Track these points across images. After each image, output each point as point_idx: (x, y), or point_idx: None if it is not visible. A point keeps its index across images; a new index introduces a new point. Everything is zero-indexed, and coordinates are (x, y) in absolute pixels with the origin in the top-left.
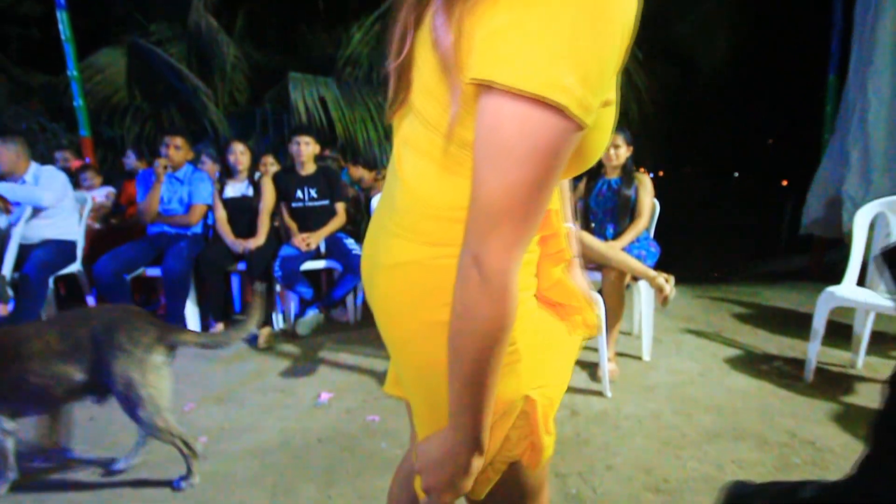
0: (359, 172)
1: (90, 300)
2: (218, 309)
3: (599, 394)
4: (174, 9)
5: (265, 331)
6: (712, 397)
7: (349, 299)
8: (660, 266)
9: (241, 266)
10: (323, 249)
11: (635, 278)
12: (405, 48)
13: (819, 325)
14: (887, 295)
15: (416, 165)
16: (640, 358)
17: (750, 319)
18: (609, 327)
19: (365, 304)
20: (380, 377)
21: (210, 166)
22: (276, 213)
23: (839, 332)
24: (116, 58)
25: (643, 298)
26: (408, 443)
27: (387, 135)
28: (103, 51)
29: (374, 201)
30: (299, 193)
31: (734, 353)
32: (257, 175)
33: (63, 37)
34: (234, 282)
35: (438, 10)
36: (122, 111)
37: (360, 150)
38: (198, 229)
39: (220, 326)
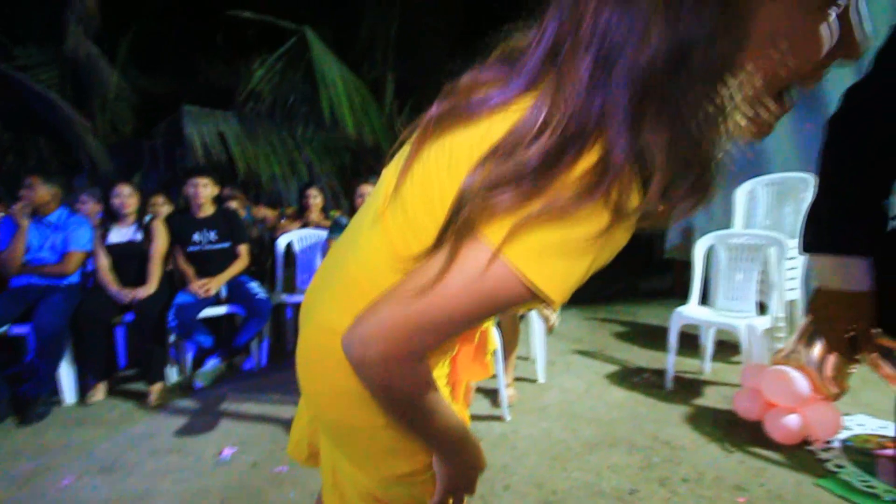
0: (262, 212)
1: None
2: (99, 367)
3: (499, 418)
4: (47, 31)
5: (157, 387)
6: (594, 411)
7: (253, 345)
8: None
9: (128, 317)
10: (224, 294)
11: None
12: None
13: (673, 340)
14: (723, 313)
15: (378, 250)
16: (535, 380)
17: (626, 336)
18: (506, 356)
19: (271, 348)
20: (288, 424)
21: (91, 207)
22: (169, 258)
23: (693, 343)
24: None
25: (536, 326)
26: (318, 490)
27: (292, 170)
28: None
29: (280, 241)
30: (197, 237)
31: (613, 368)
32: (147, 217)
33: None
34: (119, 335)
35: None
36: None
37: (264, 186)
38: (74, 279)
39: (100, 387)
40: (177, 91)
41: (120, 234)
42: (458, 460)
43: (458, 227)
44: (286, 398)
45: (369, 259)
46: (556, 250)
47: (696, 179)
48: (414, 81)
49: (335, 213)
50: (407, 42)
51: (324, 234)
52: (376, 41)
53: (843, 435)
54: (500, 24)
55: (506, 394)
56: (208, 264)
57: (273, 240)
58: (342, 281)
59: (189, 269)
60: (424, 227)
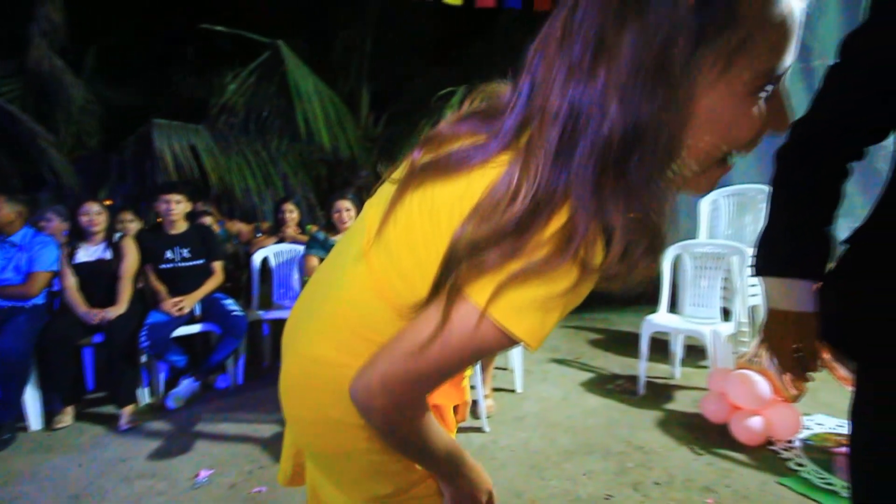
0: (236, 227)
1: None
2: (66, 391)
3: (479, 430)
4: (10, 44)
5: (128, 410)
6: (571, 419)
7: (229, 363)
8: None
9: (98, 338)
10: (198, 312)
11: None
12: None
13: (644, 347)
14: (692, 319)
15: (363, 287)
16: (513, 390)
17: (601, 344)
18: (484, 368)
19: (247, 365)
20: (266, 443)
21: (57, 225)
22: (139, 277)
23: (665, 348)
24: None
25: None
26: None
27: (267, 183)
28: None
29: (256, 257)
30: (169, 254)
31: (589, 376)
32: (117, 235)
33: None
34: (87, 357)
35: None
36: None
37: (238, 199)
38: (39, 300)
39: (68, 411)
40: (146, 103)
41: (88, 252)
42: (459, 483)
43: (449, 287)
44: (263, 417)
45: (355, 295)
46: (534, 306)
47: (650, 243)
48: (389, 93)
49: (312, 228)
50: (382, 55)
51: (300, 249)
52: (351, 54)
53: (804, 434)
54: (471, 38)
55: (484, 405)
56: (182, 282)
57: (248, 255)
58: (328, 314)
59: (161, 288)
60: (408, 268)
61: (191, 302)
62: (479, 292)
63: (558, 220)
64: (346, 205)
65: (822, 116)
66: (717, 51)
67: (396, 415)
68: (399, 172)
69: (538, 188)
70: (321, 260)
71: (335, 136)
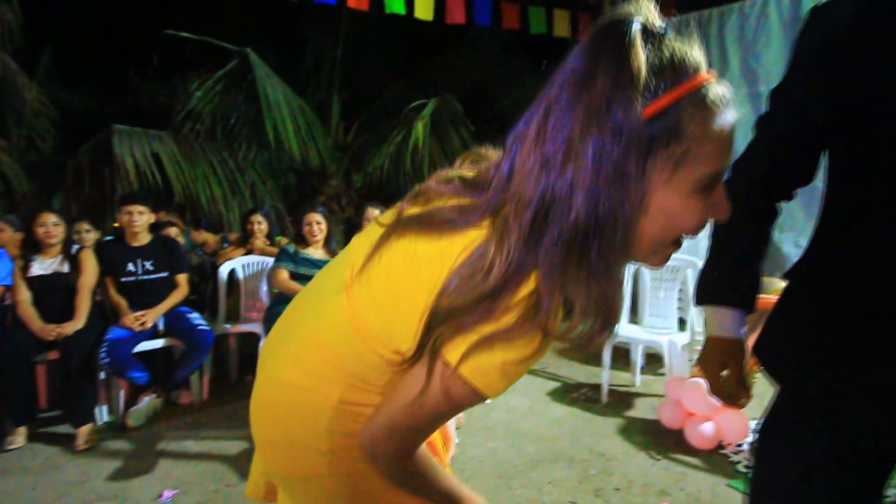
0: (202, 236)
1: None
2: (19, 410)
3: None
4: None
5: (85, 429)
6: (537, 428)
7: (193, 378)
8: None
9: (53, 355)
10: (162, 326)
11: None
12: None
13: (606, 357)
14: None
15: (341, 319)
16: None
17: (567, 353)
18: None
19: (212, 381)
20: (232, 462)
21: (8, 236)
22: (98, 290)
23: (626, 357)
24: None
25: None
26: None
27: (233, 192)
28: None
29: (223, 269)
30: (131, 266)
31: (555, 385)
32: (75, 247)
33: None
34: (42, 374)
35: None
36: None
37: (204, 208)
38: None
39: (21, 431)
40: (106, 108)
41: (44, 265)
42: None
43: (430, 349)
44: (230, 433)
45: (331, 326)
46: (500, 368)
47: (605, 317)
48: (360, 103)
49: (281, 240)
50: (353, 64)
51: (269, 261)
52: (322, 63)
53: (752, 438)
54: (442, 51)
55: (454, 417)
56: (144, 295)
57: (214, 266)
58: (302, 340)
59: (122, 302)
60: (385, 308)
61: (154, 316)
62: (454, 354)
63: (525, 290)
64: (316, 218)
65: (752, 164)
66: (665, 159)
67: (396, 461)
68: (387, 217)
69: (510, 264)
70: (291, 273)
71: (305, 145)
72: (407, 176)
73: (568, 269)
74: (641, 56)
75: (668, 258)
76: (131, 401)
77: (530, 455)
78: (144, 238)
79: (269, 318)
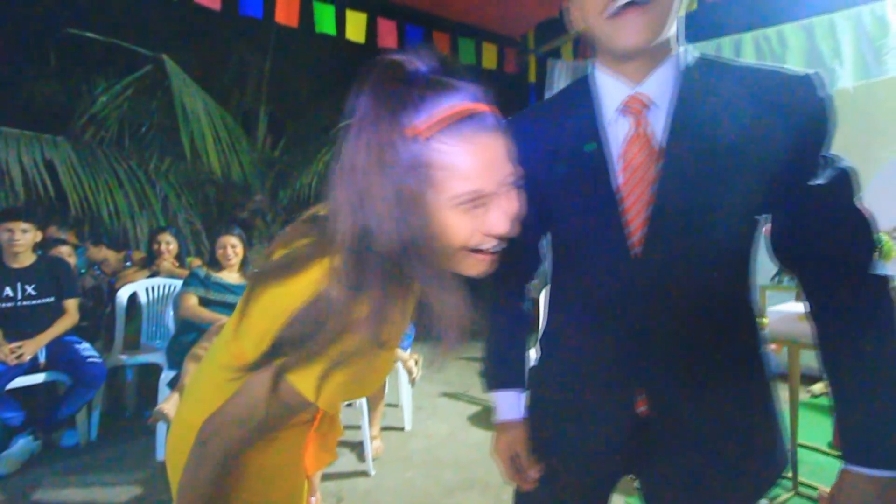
0: (102, 253)
1: None
2: None
3: (364, 474)
4: None
5: None
6: (455, 455)
7: (79, 416)
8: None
9: None
10: (43, 359)
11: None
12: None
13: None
14: None
15: (221, 353)
16: (402, 428)
17: None
18: (372, 409)
19: (104, 418)
20: None
21: None
22: None
23: None
24: None
25: (402, 375)
26: None
27: (141, 205)
28: None
29: (122, 293)
30: (9, 291)
31: (476, 409)
32: None
33: None
34: None
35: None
36: None
37: (106, 222)
38: None
39: None
40: None
41: None
42: None
43: (276, 366)
44: (120, 478)
45: (214, 359)
46: (335, 384)
47: (451, 319)
48: (289, 117)
49: (193, 262)
50: (281, 77)
51: (178, 284)
52: (248, 74)
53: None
54: (372, 59)
55: (371, 447)
56: (23, 324)
57: (115, 289)
58: (199, 381)
59: None
60: (247, 332)
61: (33, 348)
62: (298, 375)
63: (360, 312)
64: (231, 241)
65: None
66: (435, 181)
67: (224, 452)
68: (259, 262)
69: (344, 290)
70: (201, 299)
71: (226, 158)
72: None
73: (392, 284)
74: (407, 93)
75: (483, 264)
76: (3, 444)
77: (447, 483)
78: (27, 259)
79: (174, 348)
